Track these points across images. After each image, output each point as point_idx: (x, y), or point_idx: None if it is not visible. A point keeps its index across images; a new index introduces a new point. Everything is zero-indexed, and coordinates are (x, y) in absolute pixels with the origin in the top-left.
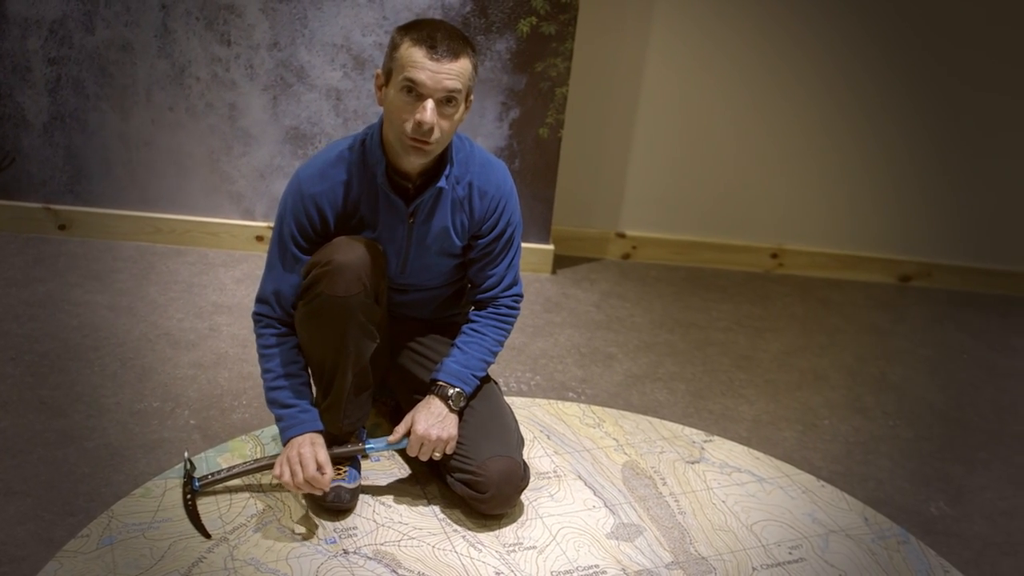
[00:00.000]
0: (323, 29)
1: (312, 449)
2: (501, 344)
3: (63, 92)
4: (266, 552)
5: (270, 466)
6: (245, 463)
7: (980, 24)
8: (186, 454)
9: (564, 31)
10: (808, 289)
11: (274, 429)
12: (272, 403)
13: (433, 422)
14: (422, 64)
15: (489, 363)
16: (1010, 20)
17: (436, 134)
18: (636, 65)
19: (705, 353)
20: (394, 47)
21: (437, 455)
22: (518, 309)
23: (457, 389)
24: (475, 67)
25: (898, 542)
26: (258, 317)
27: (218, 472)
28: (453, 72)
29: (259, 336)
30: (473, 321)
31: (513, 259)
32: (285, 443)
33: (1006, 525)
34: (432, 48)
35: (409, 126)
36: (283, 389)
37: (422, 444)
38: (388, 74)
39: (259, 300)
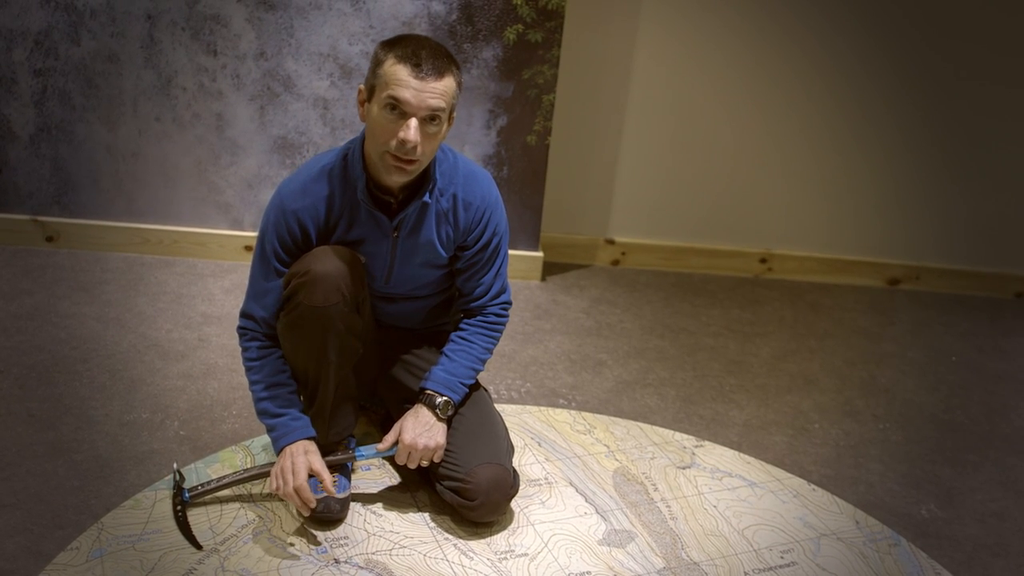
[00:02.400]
0: (309, 39)
1: (305, 458)
2: (490, 352)
3: (49, 104)
4: (257, 562)
5: (260, 476)
6: (235, 473)
7: (972, 26)
8: (175, 465)
9: (551, 38)
10: (797, 293)
11: (264, 439)
12: (262, 414)
13: (421, 431)
14: (406, 82)
15: (478, 371)
16: (1004, 24)
17: (419, 152)
18: (623, 71)
19: (695, 358)
20: (377, 63)
21: (425, 463)
22: (507, 317)
23: (445, 398)
24: (459, 84)
25: (889, 545)
26: (243, 331)
27: (207, 483)
28: (437, 91)
29: (244, 349)
30: (462, 329)
31: (500, 268)
32: (278, 452)
33: (997, 527)
34: (417, 66)
35: (392, 144)
36: (272, 399)
37: (410, 453)
38: (371, 90)
39: (243, 315)
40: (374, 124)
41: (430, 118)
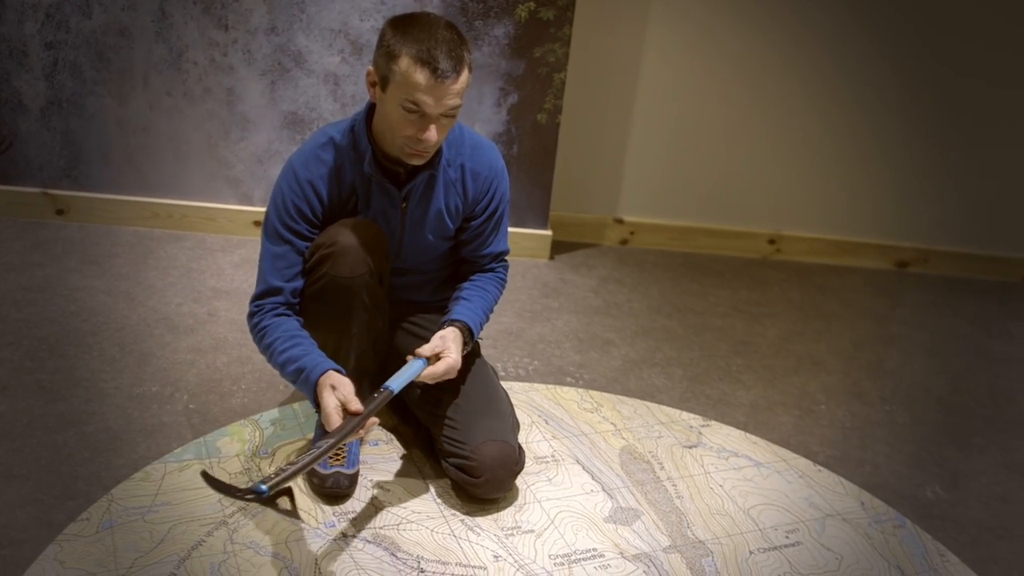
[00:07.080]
0: (321, 14)
1: (331, 395)
2: (496, 302)
3: (60, 77)
4: (265, 535)
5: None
6: (307, 454)
7: (975, 12)
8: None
9: (562, 16)
10: (805, 275)
11: (273, 414)
12: (287, 363)
13: (460, 352)
14: (426, 88)
15: (487, 318)
16: (1004, 9)
17: (437, 143)
18: (634, 51)
19: (703, 338)
20: (390, 56)
21: (442, 379)
22: (506, 271)
23: (469, 328)
24: (471, 67)
25: (894, 526)
26: (257, 307)
27: (282, 471)
28: (455, 90)
29: (256, 325)
30: (472, 279)
31: (502, 231)
32: (313, 392)
33: (1001, 509)
34: (435, 71)
35: (411, 138)
36: (294, 348)
37: (446, 373)
38: (384, 81)
39: (260, 296)
40: (390, 118)
41: (448, 114)
